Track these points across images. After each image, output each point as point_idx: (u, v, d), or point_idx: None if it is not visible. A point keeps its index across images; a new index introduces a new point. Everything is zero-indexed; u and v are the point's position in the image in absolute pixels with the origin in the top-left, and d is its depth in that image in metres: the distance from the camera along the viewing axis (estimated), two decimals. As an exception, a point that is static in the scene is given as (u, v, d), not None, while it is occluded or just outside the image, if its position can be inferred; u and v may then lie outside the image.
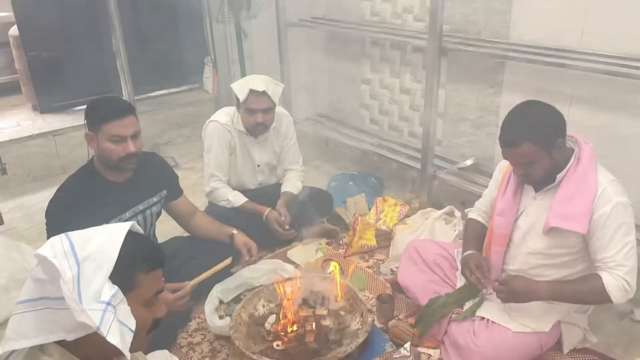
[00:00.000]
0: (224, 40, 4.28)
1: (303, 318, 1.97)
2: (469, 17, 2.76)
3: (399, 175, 3.37)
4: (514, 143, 1.64)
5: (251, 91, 2.46)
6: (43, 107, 4.13)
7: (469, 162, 2.90)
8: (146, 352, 1.44)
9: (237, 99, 2.53)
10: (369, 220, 2.77)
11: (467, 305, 1.92)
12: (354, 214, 2.82)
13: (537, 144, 1.61)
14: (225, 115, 2.65)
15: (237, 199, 2.61)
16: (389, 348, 1.98)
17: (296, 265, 2.47)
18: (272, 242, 2.67)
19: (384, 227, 2.72)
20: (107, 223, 1.10)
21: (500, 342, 1.77)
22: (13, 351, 0.96)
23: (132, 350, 0.95)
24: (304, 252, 2.64)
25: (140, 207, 2.07)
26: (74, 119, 3.89)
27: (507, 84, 2.69)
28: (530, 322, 1.80)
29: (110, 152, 1.86)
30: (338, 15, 3.55)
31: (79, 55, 3.98)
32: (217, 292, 2.16)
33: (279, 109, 2.69)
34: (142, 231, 1.11)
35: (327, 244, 2.75)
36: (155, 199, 2.13)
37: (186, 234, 2.41)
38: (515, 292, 1.71)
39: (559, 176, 1.70)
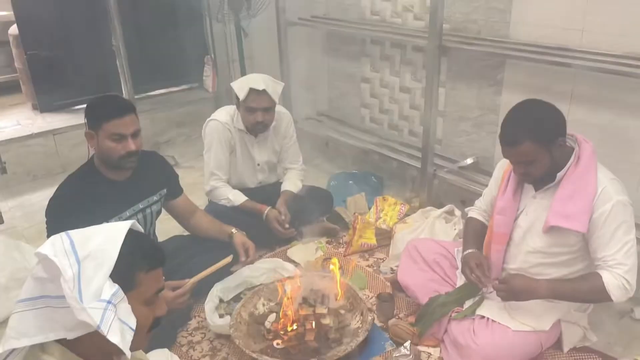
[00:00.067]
0: (224, 39, 4.27)
1: (303, 317, 1.98)
2: (469, 16, 2.76)
3: (399, 174, 3.37)
4: (514, 142, 1.64)
5: (251, 90, 2.46)
6: (43, 106, 4.12)
7: (469, 161, 2.89)
8: (146, 351, 1.44)
9: (237, 98, 2.53)
10: (369, 219, 2.77)
11: (467, 304, 1.92)
12: (354, 213, 2.81)
13: (538, 143, 1.61)
14: (225, 114, 2.65)
15: (237, 198, 2.61)
16: (389, 347, 1.98)
17: (296, 264, 2.47)
18: (272, 240, 2.67)
19: (384, 226, 2.72)
20: (107, 222, 1.10)
21: (500, 341, 1.77)
22: (13, 350, 0.95)
23: (132, 349, 0.95)
24: (304, 250, 2.64)
25: (141, 206, 2.06)
26: (74, 118, 3.88)
27: (507, 82, 2.69)
28: (530, 320, 1.80)
29: (110, 150, 1.85)
30: (338, 14, 3.54)
31: (79, 54, 3.97)
32: (217, 291, 2.16)
33: (279, 108, 2.68)
34: (142, 230, 1.11)
35: (327, 242, 2.75)
36: (155, 198, 2.13)
37: (186, 233, 2.41)
38: (515, 290, 1.71)
39: (559, 175, 1.70)
